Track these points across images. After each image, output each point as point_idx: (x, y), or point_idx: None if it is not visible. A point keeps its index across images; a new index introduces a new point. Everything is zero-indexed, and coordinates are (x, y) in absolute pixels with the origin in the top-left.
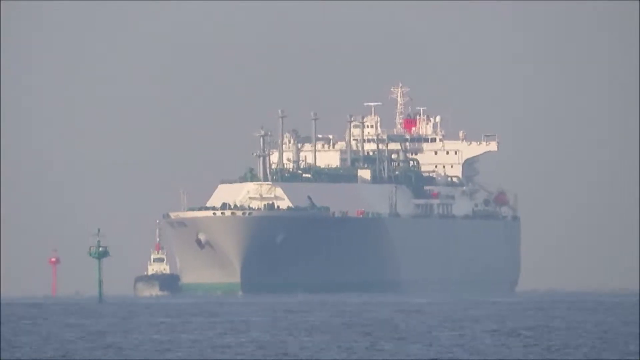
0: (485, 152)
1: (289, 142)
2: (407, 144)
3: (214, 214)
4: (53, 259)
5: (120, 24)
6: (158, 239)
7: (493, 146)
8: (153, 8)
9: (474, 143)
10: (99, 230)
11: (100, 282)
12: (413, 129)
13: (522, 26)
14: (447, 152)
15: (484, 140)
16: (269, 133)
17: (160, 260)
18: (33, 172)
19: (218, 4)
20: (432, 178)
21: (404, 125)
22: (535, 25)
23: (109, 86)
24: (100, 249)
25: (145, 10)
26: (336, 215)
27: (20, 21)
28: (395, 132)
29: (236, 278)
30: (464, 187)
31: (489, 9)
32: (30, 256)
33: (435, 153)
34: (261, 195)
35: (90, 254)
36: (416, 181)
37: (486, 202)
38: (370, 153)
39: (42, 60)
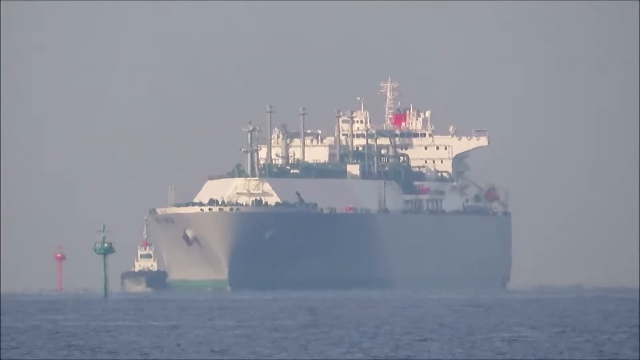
0: (475, 147)
1: (278, 137)
2: (397, 139)
3: (202, 210)
4: (59, 255)
5: (111, 23)
6: (145, 235)
7: (483, 141)
8: (144, 7)
9: (464, 138)
10: (103, 226)
11: (105, 279)
12: (403, 124)
13: (512, 22)
14: (437, 148)
15: (474, 135)
16: (257, 128)
17: (148, 256)
18: (36, 169)
19: (208, 1)
20: (422, 173)
21: (393, 121)
22: (526, 20)
23: (99, 84)
24: (106, 245)
25: (136, 9)
26: (324, 211)
27: (20, 21)
28: (384, 127)
29: (224, 275)
30: (454, 183)
31: (479, 5)
32: (36, 252)
33: (425, 148)
34: (249, 191)
35: (96, 250)
36: (406, 177)
37: (477, 198)
38: (360, 148)
39: (40, 59)
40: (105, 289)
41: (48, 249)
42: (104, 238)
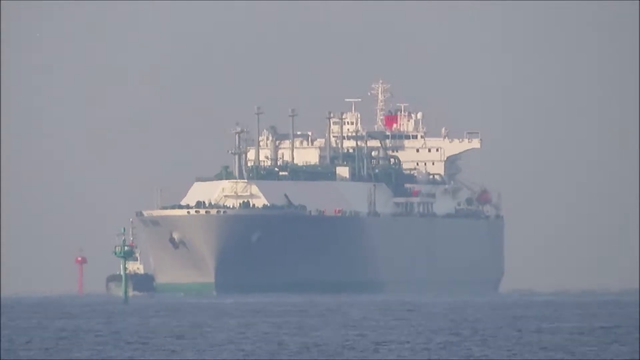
0: (467, 150)
1: (267, 139)
2: (388, 141)
3: (188, 212)
4: (79, 258)
5: (99, 24)
6: (131, 238)
7: (476, 143)
8: (133, 7)
9: (456, 140)
10: (124, 229)
11: (126, 282)
12: (394, 125)
13: (505, 24)
14: (429, 150)
15: (466, 138)
16: (245, 130)
17: (134, 259)
18: (51, 171)
19: (195, 2)
20: (413, 176)
21: (384, 122)
22: (519, 22)
23: (91, 87)
24: (126, 248)
25: (125, 9)
26: (313, 213)
27: (20, 21)
28: (375, 129)
29: (210, 278)
30: (446, 186)
31: (472, 5)
32: (58, 255)
33: (417, 150)
34: (236, 193)
35: (116, 254)
36: (396, 179)
37: (469, 201)
38: (350, 150)
39: (39, 59)
40: (126, 292)
41: (73, 252)
42: (124, 241)
